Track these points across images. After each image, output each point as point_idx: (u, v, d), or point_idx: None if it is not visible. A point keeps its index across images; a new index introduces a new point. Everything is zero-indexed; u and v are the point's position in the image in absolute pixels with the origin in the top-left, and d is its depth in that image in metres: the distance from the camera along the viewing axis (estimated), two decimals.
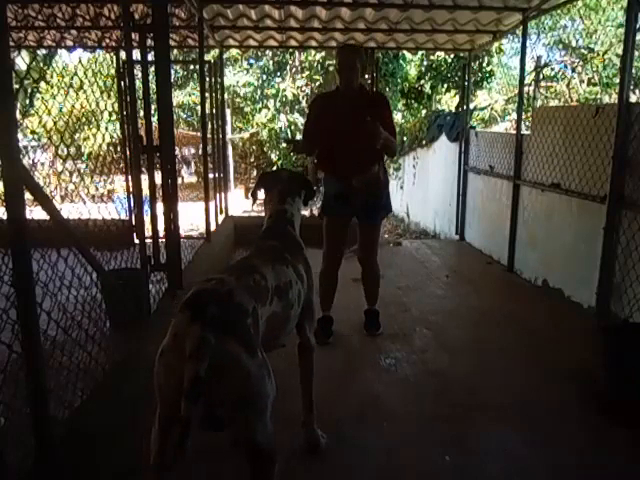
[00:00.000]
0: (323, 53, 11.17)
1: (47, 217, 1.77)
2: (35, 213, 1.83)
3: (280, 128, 12.64)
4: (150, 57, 2.86)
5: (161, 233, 3.05)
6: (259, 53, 12.61)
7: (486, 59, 12.13)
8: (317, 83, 12.26)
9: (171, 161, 2.98)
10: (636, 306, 3.12)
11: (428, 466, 2.16)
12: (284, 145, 11.97)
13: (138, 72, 3.03)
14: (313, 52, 11.22)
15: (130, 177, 4.69)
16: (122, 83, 5.07)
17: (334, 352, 3.18)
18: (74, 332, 2.01)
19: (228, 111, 11.17)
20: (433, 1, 4.46)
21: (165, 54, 2.92)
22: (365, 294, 3.54)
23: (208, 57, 6.17)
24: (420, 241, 6.78)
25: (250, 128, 14.55)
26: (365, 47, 5.67)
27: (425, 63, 12.34)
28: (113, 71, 5.81)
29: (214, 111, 5.39)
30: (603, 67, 11.19)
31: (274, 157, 13.43)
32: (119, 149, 6.35)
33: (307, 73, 12.35)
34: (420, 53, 11.54)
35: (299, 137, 9.20)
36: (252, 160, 15.82)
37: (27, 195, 1.48)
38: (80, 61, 3.09)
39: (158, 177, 2.95)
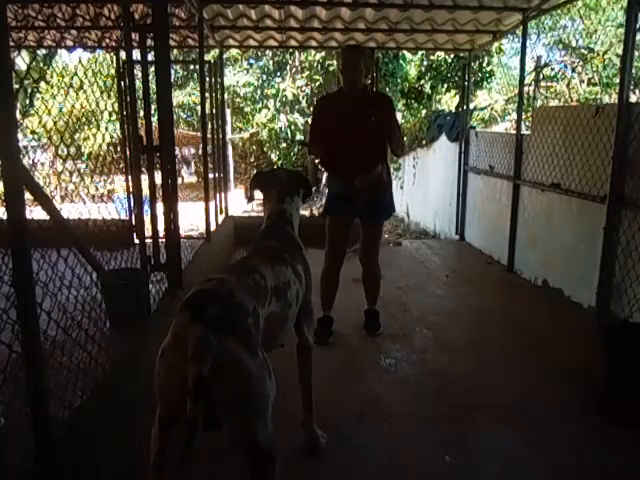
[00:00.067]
0: (323, 53, 11.18)
1: (47, 217, 1.77)
2: (35, 213, 1.83)
3: (280, 128, 12.65)
4: (150, 57, 2.85)
5: (161, 233, 3.04)
6: (259, 53, 12.62)
7: (486, 59, 12.14)
8: (317, 83, 12.27)
9: (171, 161, 2.97)
10: (636, 306, 3.12)
11: (428, 466, 2.15)
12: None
13: (138, 72, 3.03)
14: (313, 52, 11.22)
15: (130, 177, 4.69)
16: (122, 83, 5.07)
17: (334, 352, 3.18)
18: (74, 332, 2.01)
19: (228, 111, 11.16)
20: (433, 1, 4.46)
21: (165, 54, 2.92)
22: (365, 294, 3.54)
23: (208, 57, 6.16)
24: (420, 241, 6.78)
25: (250, 128, 14.56)
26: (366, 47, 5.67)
27: (425, 63, 12.36)
28: (113, 71, 5.81)
29: (214, 111, 5.39)
30: (603, 67, 11.20)
31: (274, 157, 13.44)
32: (119, 149, 6.35)
33: (307, 73, 12.36)
34: (420, 53, 11.56)
35: None
36: (252, 160, 15.83)
37: (27, 195, 1.48)
38: (80, 61, 3.08)
39: (158, 177, 2.95)
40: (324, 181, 12.74)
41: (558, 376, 2.89)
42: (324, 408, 2.32)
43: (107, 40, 5.67)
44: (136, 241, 3.00)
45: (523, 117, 5.15)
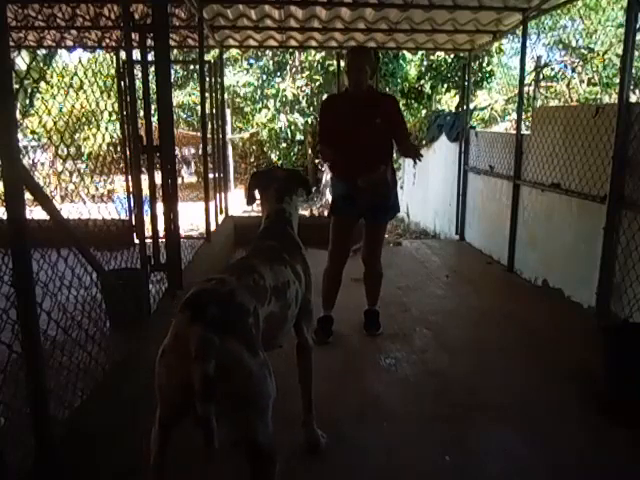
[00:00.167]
0: (323, 53, 11.17)
1: (47, 217, 1.77)
2: (35, 213, 1.83)
3: (280, 128, 12.65)
4: (150, 57, 2.85)
5: (161, 233, 3.04)
6: (259, 53, 12.62)
7: (486, 59, 12.14)
8: (317, 83, 12.27)
9: (171, 161, 2.97)
10: (636, 306, 3.12)
11: (428, 466, 2.15)
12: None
13: (138, 72, 3.03)
14: (313, 52, 11.21)
15: (130, 177, 4.69)
16: (122, 83, 5.07)
17: (334, 352, 3.18)
18: (74, 332, 2.01)
19: (228, 111, 11.17)
20: (433, 1, 4.46)
21: (165, 54, 2.92)
22: (366, 294, 3.54)
23: (208, 57, 6.17)
24: (420, 241, 6.79)
25: (250, 128, 14.57)
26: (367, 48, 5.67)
27: (425, 63, 12.36)
28: (113, 71, 5.81)
29: (214, 111, 5.39)
30: (603, 67, 11.20)
31: (274, 157, 13.44)
32: (119, 149, 6.35)
33: (307, 73, 12.36)
34: (420, 53, 11.55)
35: None
36: (252, 160, 15.84)
37: (27, 195, 1.48)
38: (80, 61, 3.08)
39: (158, 177, 2.95)
40: (324, 181, 12.79)
41: (558, 376, 2.89)
42: (324, 408, 2.32)
43: (107, 40, 5.66)
44: (136, 241, 3.00)
45: (523, 117, 5.15)
